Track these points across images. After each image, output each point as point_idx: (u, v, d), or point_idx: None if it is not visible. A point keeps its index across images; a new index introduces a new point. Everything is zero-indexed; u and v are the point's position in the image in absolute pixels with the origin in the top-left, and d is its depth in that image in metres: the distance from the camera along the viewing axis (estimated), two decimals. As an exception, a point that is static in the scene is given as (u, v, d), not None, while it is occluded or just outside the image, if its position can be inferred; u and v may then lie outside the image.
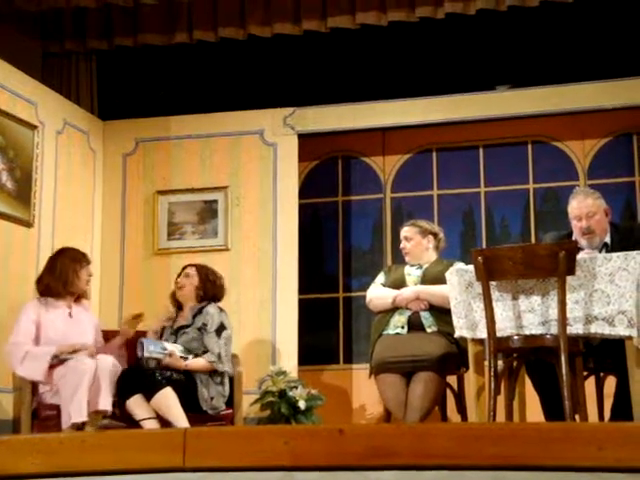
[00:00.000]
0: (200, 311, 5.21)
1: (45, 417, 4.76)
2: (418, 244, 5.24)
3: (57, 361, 4.76)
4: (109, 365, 4.73)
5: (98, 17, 6.48)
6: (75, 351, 4.78)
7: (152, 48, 6.59)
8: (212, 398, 4.97)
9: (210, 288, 5.30)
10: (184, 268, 5.38)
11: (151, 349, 4.98)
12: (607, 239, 4.53)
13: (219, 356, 5.03)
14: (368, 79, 6.78)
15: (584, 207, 4.49)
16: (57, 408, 4.68)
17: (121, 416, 4.81)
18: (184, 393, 4.82)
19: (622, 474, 2.34)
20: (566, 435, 2.43)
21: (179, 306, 5.35)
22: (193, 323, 5.18)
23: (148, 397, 4.73)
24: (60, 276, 5.00)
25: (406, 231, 5.30)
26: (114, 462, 2.55)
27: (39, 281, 5.07)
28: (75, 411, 4.51)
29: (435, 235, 5.29)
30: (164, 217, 6.48)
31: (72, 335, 4.94)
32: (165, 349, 4.99)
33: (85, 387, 4.55)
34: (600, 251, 4.45)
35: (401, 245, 5.31)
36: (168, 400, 4.74)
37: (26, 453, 2.61)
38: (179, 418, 4.70)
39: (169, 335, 5.17)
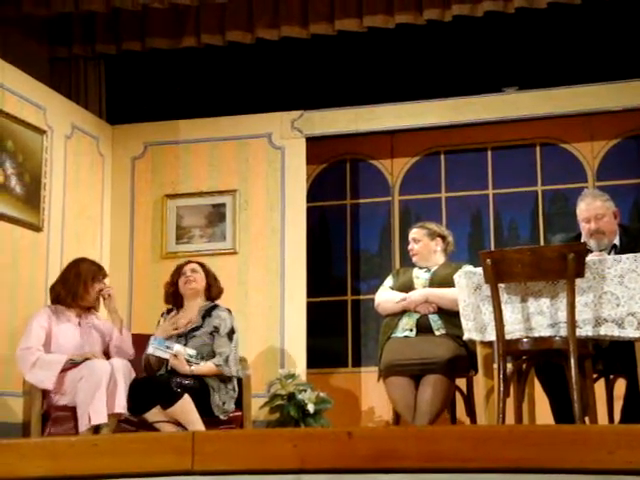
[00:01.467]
0: (209, 313, 5.20)
1: (56, 418, 4.76)
2: (426, 246, 5.23)
3: (69, 365, 4.77)
4: (124, 367, 4.75)
5: (106, 21, 6.50)
6: (87, 359, 4.80)
7: (160, 52, 6.60)
8: (224, 403, 4.98)
9: (215, 285, 5.33)
10: (184, 265, 5.33)
11: (155, 346, 5.00)
12: (616, 241, 4.52)
13: (227, 359, 5.01)
14: (376, 82, 6.78)
15: (592, 209, 4.48)
16: (68, 409, 4.70)
17: (133, 420, 4.82)
18: (197, 399, 4.82)
19: (632, 477, 2.33)
20: (576, 438, 2.42)
21: (178, 304, 5.31)
22: (203, 325, 5.15)
23: (166, 407, 4.74)
24: (70, 289, 5.01)
25: (414, 232, 5.29)
26: (124, 465, 2.55)
27: (52, 289, 5.09)
28: (95, 413, 4.53)
29: (444, 238, 5.28)
30: (172, 221, 6.49)
31: (81, 344, 4.96)
32: (170, 348, 4.99)
33: (104, 389, 4.58)
34: (609, 253, 4.43)
35: (409, 246, 5.31)
36: (186, 409, 4.75)
37: (36, 456, 2.61)
38: (197, 425, 4.72)
39: (177, 339, 5.13)
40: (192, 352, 4.99)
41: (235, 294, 6.15)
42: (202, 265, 5.35)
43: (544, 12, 5.90)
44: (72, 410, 4.68)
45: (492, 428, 3.28)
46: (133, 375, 4.81)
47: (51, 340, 4.90)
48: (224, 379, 5.01)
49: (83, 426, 4.55)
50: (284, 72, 6.92)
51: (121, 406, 4.64)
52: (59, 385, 4.76)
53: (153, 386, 4.86)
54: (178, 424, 4.76)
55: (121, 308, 6.28)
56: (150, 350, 5.02)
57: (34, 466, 2.57)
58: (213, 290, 5.31)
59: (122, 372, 4.71)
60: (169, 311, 5.33)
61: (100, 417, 4.54)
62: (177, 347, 5.00)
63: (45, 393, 4.80)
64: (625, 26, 6.38)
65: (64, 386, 4.75)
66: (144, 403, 4.76)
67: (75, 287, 5.01)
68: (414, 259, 5.28)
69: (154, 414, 4.76)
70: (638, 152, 6.46)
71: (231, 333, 5.13)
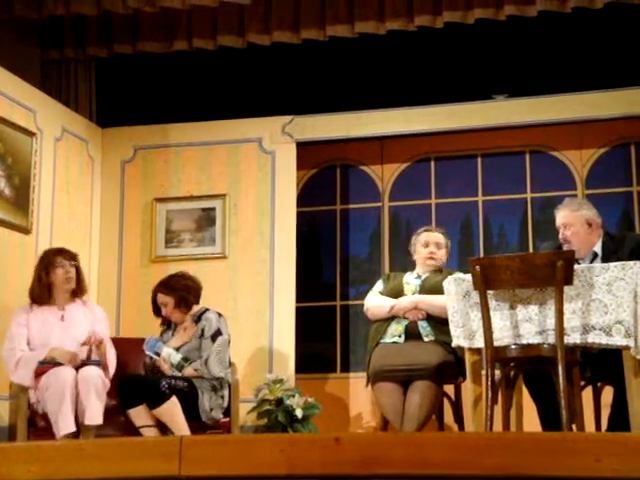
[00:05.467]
0: (200, 318, 5.22)
1: (41, 427, 4.74)
2: (443, 255, 5.23)
3: (40, 367, 4.72)
4: (95, 377, 4.68)
5: (97, 24, 6.49)
6: (57, 363, 4.73)
7: (151, 56, 6.59)
8: (212, 410, 4.98)
9: (190, 298, 5.24)
10: (155, 295, 5.24)
11: (147, 348, 5.11)
12: (597, 248, 4.55)
13: (206, 361, 5.03)
14: (366, 88, 6.78)
15: (560, 218, 4.59)
16: (47, 418, 4.67)
17: (118, 425, 4.80)
18: (186, 402, 4.83)
19: (619, 484, 2.34)
20: (563, 445, 2.43)
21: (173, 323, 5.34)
22: (194, 331, 5.19)
23: (152, 406, 4.75)
24: (40, 282, 4.97)
25: (440, 238, 5.24)
26: (110, 470, 2.55)
27: (30, 291, 5.05)
28: (63, 423, 4.50)
29: (447, 248, 5.30)
30: (162, 225, 6.48)
31: (63, 340, 4.89)
32: (158, 354, 5.08)
33: (68, 398, 4.53)
34: (592, 261, 4.47)
35: (429, 248, 5.20)
36: (173, 410, 4.76)
37: (23, 461, 2.60)
38: (182, 428, 4.72)
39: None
40: (176, 360, 5.06)
41: (224, 299, 6.15)
42: (164, 291, 5.20)
43: (535, 20, 5.92)
44: (48, 418, 4.64)
45: (480, 435, 3.28)
46: (107, 384, 4.76)
47: (30, 339, 4.88)
48: (214, 387, 5.00)
49: (57, 435, 4.52)
50: (275, 77, 6.93)
51: (93, 418, 4.58)
52: (36, 388, 4.72)
53: (142, 384, 4.89)
54: (163, 430, 4.75)
55: (110, 311, 6.30)
56: (146, 350, 5.12)
57: (21, 470, 2.57)
58: (183, 308, 5.21)
59: (94, 382, 4.64)
60: (169, 325, 5.34)
61: (68, 427, 4.50)
62: (164, 353, 5.08)
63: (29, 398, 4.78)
64: (615, 35, 6.41)
65: (39, 393, 4.72)
66: (132, 399, 4.77)
67: (43, 280, 4.96)
68: (430, 262, 5.21)
69: (140, 416, 4.75)
70: (627, 160, 6.49)
71: (215, 335, 5.12)
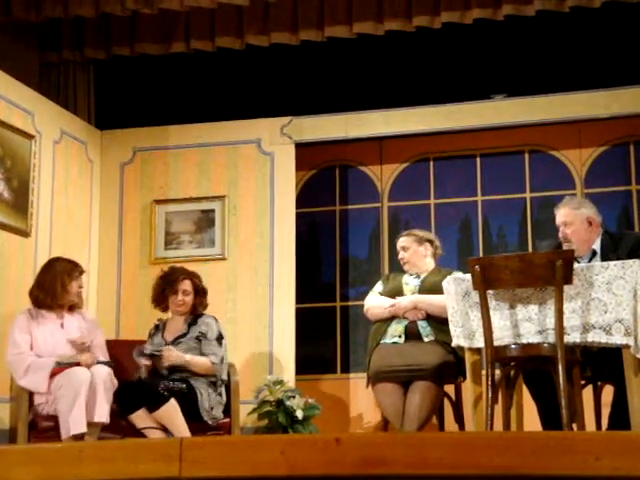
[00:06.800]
0: (195, 321, 5.22)
1: (43, 429, 4.74)
2: (415, 252, 5.25)
3: (56, 368, 4.74)
4: (105, 375, 4.73)
5: (95, 27, 6.49)
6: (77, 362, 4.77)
7: (149, 57, 6.60)
8: (212, 408, 4.99)
9: (202, 304, 5.29)
10: (178, 280, 5.23)
11: (137, 354, 5.05)
12: (595, 246, 4.56)
13: (222, 360, 5.08)
14: (365, 88, 6.79)
15: (560, 216, 4.61)
16: (54, 419, 4.67)
17: (119, 427, 4.81)
18: (185, 403, 4.84)
19: (619, 483, 2.34)
20: (563, 444, 2.42)
21: (165, 307, 5.33)
22: (189, 332, 5.19)
23: (152, 410, 4.75)
24: (48, 290, 4.98)
25: (403, 241, 5.31)
26: (111, 472, 2.54)
27: (30, 293, 5.07)
28: (74, 423, 4.50)
29: (431, 242, 5.30)
30: (161, 226, 6.48)
31: (63, 347, 4.91)
32: (158, 351, 5.06)
33: (83, 399, 4.55)
34: (590, 259, 4.48)
35: (399, 256, 5.32)
36: (172, 413, 4.76)
37: (23, 463, 2.60)
38: (182, 430, 4.72)
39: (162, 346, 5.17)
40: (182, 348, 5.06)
41: (224, 300, 6.15)
42: (193, 282, 5.26)
43: (533, 20, 5.93)
44: (56, 419, 4.65)
45: (480, 434, 3.28)
46: (115, 383, 4.79)
47: (33, 345, 4.88)
48: (213, 384, 5.02)
49: (64, 435, 4.53)
50: (273, 78, 6.93)
51: (102, 415, 4.61)
52: (49, 392, 4.73)
53: (140, 388, 4.90)
54: (166, 431, 4.75)
55: (109, 314, 6.30)
56: (146, 352, 5.05)
57: (21, 472, 2.56)
58: (199, 308, 5.28)
59: (103, 381, 4.68)
60: (157, 327, 5.34)
61: (79, 427, 4.51)
62: (164, 348, 5.08)
63: (32, 401, 4.77)
64: (613, 34, 6.42)
65: (51, 393, 4.72)
66: (131, 404, 4.77)
67: (52, 288, 4.97)
68: (405, 267, 5.29)
69: (142, 419, 4.76)
70: (626, 159, 6.49)
71: (220, 338, 5.18)
